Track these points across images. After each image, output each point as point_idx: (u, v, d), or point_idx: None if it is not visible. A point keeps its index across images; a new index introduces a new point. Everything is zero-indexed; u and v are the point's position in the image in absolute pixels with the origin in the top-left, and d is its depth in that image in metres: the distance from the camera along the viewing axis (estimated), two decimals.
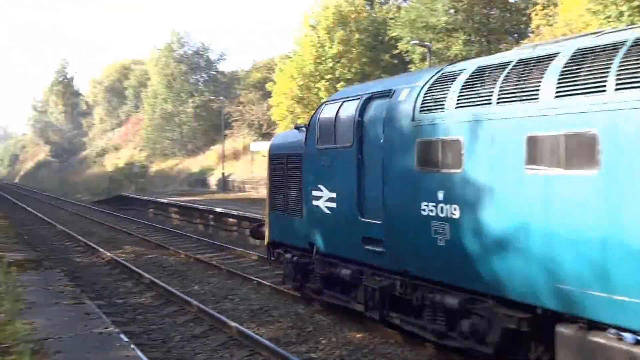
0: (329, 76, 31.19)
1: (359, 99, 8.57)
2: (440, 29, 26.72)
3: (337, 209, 8.83)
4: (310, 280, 10.01)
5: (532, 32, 24.04)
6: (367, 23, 32.27)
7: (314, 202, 9.40)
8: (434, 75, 7.51)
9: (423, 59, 25.81)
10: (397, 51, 28.91)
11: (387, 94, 8.07)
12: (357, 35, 31.23)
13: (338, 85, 31.05)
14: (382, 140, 7.84)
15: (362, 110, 8.41)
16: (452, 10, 27.39)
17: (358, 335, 8.97)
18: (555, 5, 21.85)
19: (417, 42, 24.87)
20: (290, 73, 32.20)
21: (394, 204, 7.64)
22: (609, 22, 17.23)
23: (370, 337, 8.86)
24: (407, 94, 7.60)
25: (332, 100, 9.55)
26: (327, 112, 9.29)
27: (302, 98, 31.80)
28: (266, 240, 11.41)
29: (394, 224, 7.65)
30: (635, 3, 16.68)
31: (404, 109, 7.53)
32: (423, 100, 7.28)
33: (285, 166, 10.57)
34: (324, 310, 10.21)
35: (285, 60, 35.48)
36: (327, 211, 9.11)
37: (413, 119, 7.31)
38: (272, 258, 11.41)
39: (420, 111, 7.25)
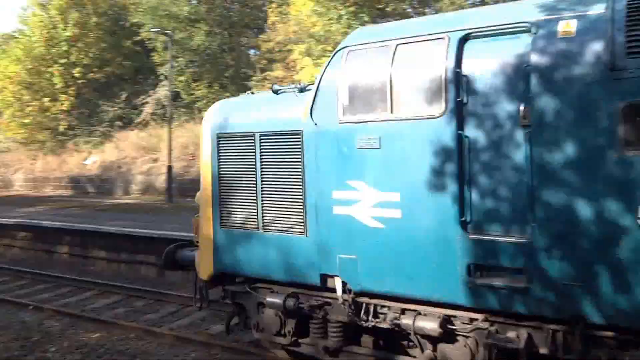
0: (64, 60, 28.72)
1: (442, 38, 5.16)
2: (182, 18, 26.56)
3: (404, 219, 5.35)
4: (319, 333, 6.24)
5: (269, 28, 25.39)
6: (106, 7, 30.47)
7: (339, 210, 5.74)
8: None
9: (166, 48, 25.34)
10: (139, 38, 27.90)
11: (519, 28, 4.87)
12: (94, 19, 29.29)
13: (75, 71, 28.82)
14: (522, 108, 4.71)
15: (459, 56, 5.06)
16: (194, 1, 27.47)
17: None
18: (289, 4, 23.38)
19: (159, 30, 24.31)
20: (16, 55, 28.80)
21: (560, 210, 4.58)
22: (332, 23, 19.20)
23: None
24: (582, 26, 4.57)
25: (366, 44, 5.68)
26: (363, 63, 5.63)
27: (32, 83, 28.74)
28: (203, 271, 7.02)
29: (563, 241, 4.59)
30: (351, 9, 18.89)
31: (583, 52, 4.50)
32: (629, 35, 4.37)
33: (255, 154, 6.43)
34: None
35: (10, 40, 31.60)
36: (375, 224, 5.53)
37: (613, 68, 4.34)
38: (209, 299, 7.39)
39: (628, 54, 4.32)
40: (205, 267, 6.97)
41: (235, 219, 6.62)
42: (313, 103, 5.87)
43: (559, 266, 4.60)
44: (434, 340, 5.38)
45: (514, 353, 4.84)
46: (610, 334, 4.56)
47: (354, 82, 5.63)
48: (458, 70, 5.02)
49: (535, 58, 4.68)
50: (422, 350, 5.49)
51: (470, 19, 5.27)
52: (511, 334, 4.98)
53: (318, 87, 5.88)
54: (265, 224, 6.35)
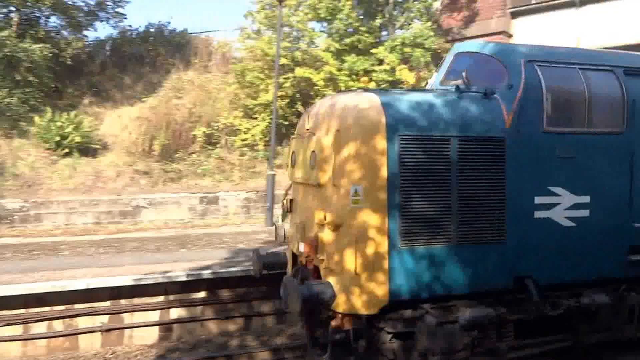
0: None
1: (611, 71, 6.38)
2: None
3: (591, 217, 6.23)
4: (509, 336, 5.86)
5: None
6: None
7: (540, 214, 6.00)
8: None
9: None
10: None
11: None
12: None
13: None
14: None
15: (626, 85, 6.37)
16: None
17: None
18: None
19: None
20: None
21: None
22: None
23: None
24: None
25: (551, 62, 6.17)
26: (559, 79, 6.14)
27: None
28: (366, 303, 5.36)
29: None
30: None
31: None
32: None
33: (450, 160, 5.63)
34: None
35: None
36: (568, 223, 6.14)
37: None
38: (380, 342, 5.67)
39: None
40: (370, 297, 5.36)
41: (423, 233, 5.57)
42: (518, 111, 5.90)
43: None
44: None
45: None
46: None
47: (554, 95, 6.09)
48: (626, 96, 6.36)
49: None
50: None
51: (627, 59, 6.77)
52: None
53: (523, 96, 5.96)
54: (459, 236, 5.70)
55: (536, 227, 5.97)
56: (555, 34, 17.19)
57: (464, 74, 6.20)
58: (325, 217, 5.49)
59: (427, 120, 5.62)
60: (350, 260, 5.36)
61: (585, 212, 6.18)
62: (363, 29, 18.25)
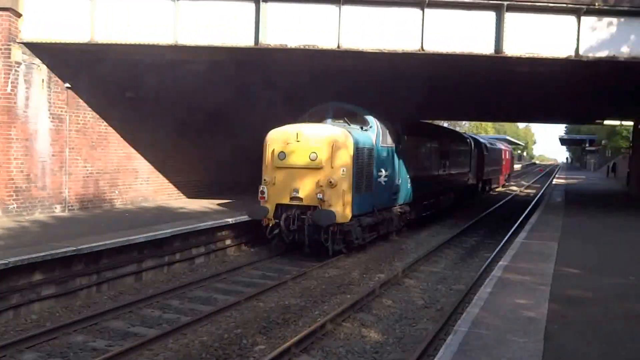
0: None
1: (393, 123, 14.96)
2: None
3: (387, 181, 14.01)
4: None
5: None
6: None
7: (379, 180, 13.51)
8: None
9: None
10: None
11: None
12: None
13: None
14: None
15: None
16: None
17: None
18: None
19: None
20: None
21: None
22: None
23: None
24: None
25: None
26: (385, 124, 14.10)
27: None
28: None
29: None
30: None
31: None
32: None
33: (365, 156, 12.77)
34: None
35: None
36: (383, 183, 13.80)
37: None
38: None
39: None
40: (345, 215, 11.82)
41: (361, 188, 12.52)
42: (376, 137, 13.37)
43: None
44: None
45: None
46: None
47: (383, 131, 13.79)
48: (399, 128, 14.68)
49: None
50: None
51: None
52: None
53: (376, 132, 13.44)
54: (366, 189, 12.78)
55: (378, 185, 13.19)
56: None
57: (345, 118, 13.19)
58: (330, 182, 11.57)
59: (360, 140, 12.40)
60: (339, 201, 11.65)
61: (386, 179, 13.68)
62: None
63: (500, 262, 9.06)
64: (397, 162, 14.48)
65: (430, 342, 6.88)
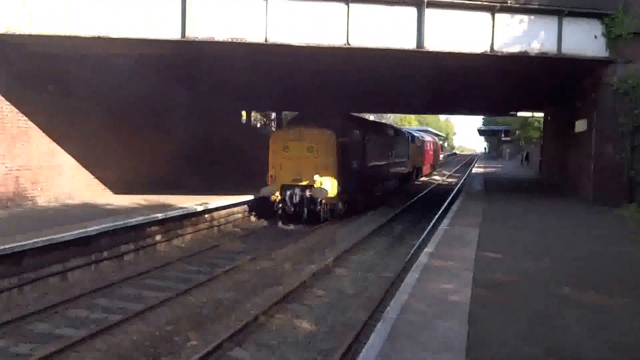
0: None
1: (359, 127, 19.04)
2: None
3: (358, 168, 17.81)
4: None
5: None
6: None
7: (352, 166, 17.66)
8: None
9: None
10: None
11: None
12: None
13: None
14: None
15: None
16: None
17: None
18: None
19: None
20: None
21: None
22: None
23: None
24: None
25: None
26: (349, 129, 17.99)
27: None
28: None
29: None
30: None
31: None
32: None
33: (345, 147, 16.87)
34: None
35: None
36: (355, 169, 17.66)
37: None
38: None
39: None
40: (333, 192, 16.09)
41: (346, 171, 16.65)
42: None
43: None
44: None
45: None
46: None
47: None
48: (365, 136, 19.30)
49: None
50: None
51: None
52: None
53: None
54: (348, 172, 17.00)
55: (352, 172, 17.21)
56: None
57: (323, 121, 16.70)
58: (325, 167, 15.89)
59: (340, 138, 16.48)
60: (329, 182, 15.97)
61: (355, 167, 17.51)
62: None
63: (426, 249, 9.27)
64: (362, 154, 18.40)
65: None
